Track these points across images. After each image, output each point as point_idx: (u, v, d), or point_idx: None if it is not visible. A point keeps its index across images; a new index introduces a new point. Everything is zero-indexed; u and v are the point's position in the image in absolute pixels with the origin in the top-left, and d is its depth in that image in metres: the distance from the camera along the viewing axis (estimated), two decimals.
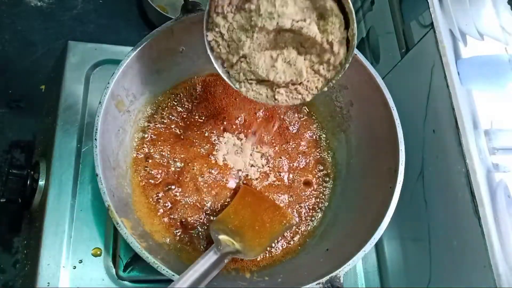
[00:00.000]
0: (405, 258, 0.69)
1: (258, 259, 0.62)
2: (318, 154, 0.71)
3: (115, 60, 0.72)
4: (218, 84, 0.69)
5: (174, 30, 0.58)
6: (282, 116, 0.71)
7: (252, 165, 0.67)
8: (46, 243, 0.60)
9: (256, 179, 0.66)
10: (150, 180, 0.63)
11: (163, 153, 0.64)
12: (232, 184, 0.65)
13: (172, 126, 0.67)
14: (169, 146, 0.65)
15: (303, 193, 0.68)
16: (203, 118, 0.68)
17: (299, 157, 0.69)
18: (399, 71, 0.73)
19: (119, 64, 0.56)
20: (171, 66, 0.64)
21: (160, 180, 0.63)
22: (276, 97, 0.51)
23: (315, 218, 0.67)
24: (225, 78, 0.52)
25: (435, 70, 0.62)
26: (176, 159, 0.64)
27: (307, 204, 0.67)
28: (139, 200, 0.61)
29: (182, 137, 0.66)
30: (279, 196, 0.66)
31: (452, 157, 0.58)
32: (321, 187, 0.69)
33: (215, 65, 0.51)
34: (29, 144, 0.84)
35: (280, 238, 0.64)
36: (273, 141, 0.69)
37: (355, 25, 0.46)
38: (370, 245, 0.53)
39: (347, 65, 0.48)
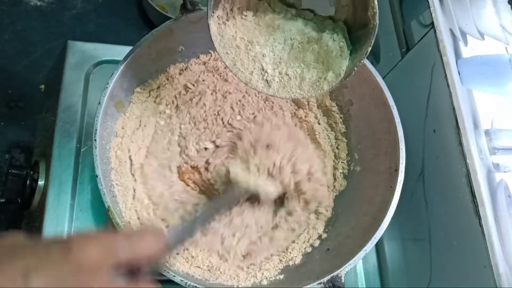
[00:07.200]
0: (405, 258, 0.68)
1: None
2: None
3: (114, 60, 0.71)
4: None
5: (174, 29, 0.58)
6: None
7: None
8: None
9: None
10: None
11: None
12: None
13: None
14: None
15: None
16: None
17: None
18: (399, 70, 0.73)
19: (118, 64, 0.55)
20: (171, 66, 0.64)
21: None
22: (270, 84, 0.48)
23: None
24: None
25: (435, 69, 0.62)
26: None
27: None
28: None
29: None
30: None
31: (452, 157, 0.58)
32: None
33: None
34: (29, 144, 0.84)
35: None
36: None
37: (376, 3, 0.42)
38: (371, 245, 0.52)
39: (369, 49, 0.44)
